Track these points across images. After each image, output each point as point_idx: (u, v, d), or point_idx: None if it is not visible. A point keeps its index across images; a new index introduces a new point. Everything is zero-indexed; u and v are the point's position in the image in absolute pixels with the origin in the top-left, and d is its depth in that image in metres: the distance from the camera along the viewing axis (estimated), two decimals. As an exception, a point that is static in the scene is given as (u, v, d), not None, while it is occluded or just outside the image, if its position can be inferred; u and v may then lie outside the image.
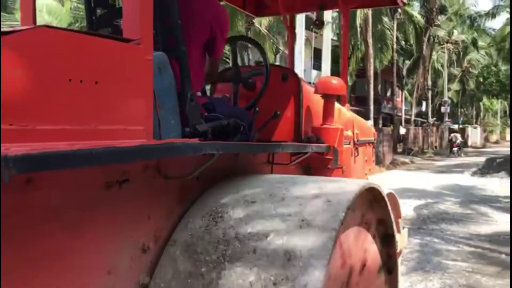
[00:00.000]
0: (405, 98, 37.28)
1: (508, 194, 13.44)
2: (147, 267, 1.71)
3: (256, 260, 1.57)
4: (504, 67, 33.88)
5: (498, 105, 56.84)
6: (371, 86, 24.15)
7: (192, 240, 1.71)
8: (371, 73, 24.25)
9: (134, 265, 1.66)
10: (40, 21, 17.37)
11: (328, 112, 3.07)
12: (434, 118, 37.00)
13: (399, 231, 3.31)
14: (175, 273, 1.67)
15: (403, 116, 33.57)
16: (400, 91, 36.44)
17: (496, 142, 59.13)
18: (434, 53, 35.48)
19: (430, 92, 35.88)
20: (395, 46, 28.47)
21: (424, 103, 40.94)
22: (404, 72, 35.61)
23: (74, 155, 1.19)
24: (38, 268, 1.31)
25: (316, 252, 1.54)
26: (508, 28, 27.59)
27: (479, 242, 7.59)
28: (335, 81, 3.14)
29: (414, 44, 32.23)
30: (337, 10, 3.87)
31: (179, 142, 1.68)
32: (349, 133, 3.41)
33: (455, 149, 31.03)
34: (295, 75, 3.17)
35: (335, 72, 24.42)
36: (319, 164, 2.94)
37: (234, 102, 2.95)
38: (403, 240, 3.24)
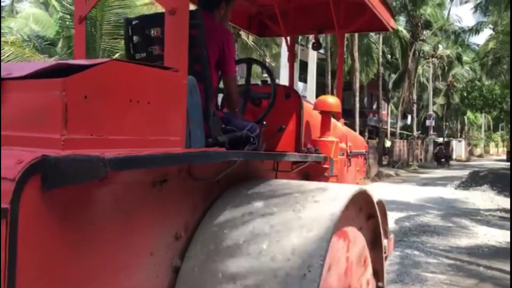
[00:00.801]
0: (391, 111, 37.71)
1: (490, 207, 13.65)
2: (179, 252, 2.05)
3: (265, 241, 1.97)
4: (487, 82, 34.48)
5: (482, 119, 57.68)
6: (357, 99, 24.42)
7: (216, 230, 2.07)
8: (357, 86, 24.54)
9: (169, 250, 2.00)
10: (26, 31, 17.37)
11: (325, 127, 3.54)
12: (419, 131, 37.42)
13: (386, 237, 3.52)
14: (203, 254, 2.01)
15: (389, 129, 33.92)
16: (385, 104, 36.86)
17: (480, 156, 59.93)
18: (419, 67, 35.99)
19: (415, 105, 36.30)
20: (380, 60, 28.89)
21: (409, 116, 41.39)
22: (390, 86, 36.06)
23: (147, 158, 1.63)
24: (102, 246, 1.63)
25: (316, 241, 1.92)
26: (491, 44, 28.14)
27: (458, 255, 7.70)
28: (332, 99, 3.62)
29: (399, 58, 32.70)
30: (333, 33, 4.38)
31: (211, 150, 2.09)
32: (343, 145, 3.81)
33: (443, 159, 32.16)
34: (297, 93, 3.60)
35: (320, 84, 24.68)
36: (317, 172, 3.33)
37: (242, 113, 3.32)
38: (390, 245, 3.51)
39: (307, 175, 3.32)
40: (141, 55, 2.66)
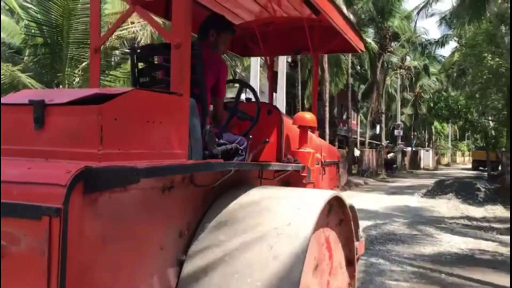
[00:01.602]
0: (360, 121, 38.32)
1: (454, 215, 13.99)
2: (183, 247, 2.41)
3: (254, 235, 2.40)
4: (453, 93, 35.42)
5: (449, 129, 59.14)
6: (327, 109, 24.73)
7: (214, 227, 2.48)
8: (327, 96, 24.86)
9: (175, 245, 2.36)
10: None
11: (303, 139, 3.96)
12: (388, 141, 38.08)
13: (357, 239, 3.88)
14: (204, 247, 2.39)
15: (358, 139, 34.45)
16: (355, 114, 37.45)
17: (447, 165, 61.35)
18: (387, 78, 36.75)
19: (384, 115, 36.99)
20: (350, 71, 29.36)
21: (378, 126, 42.14)
22: (359, 96, 36.70)
23: (168, 168, 2.10)
24: (127, 239, 2.00)
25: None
26: (456, 56, 28.97)
27: (421, 262, 7.86)
28: (309, 115, 4.03)
29: (368, 69, 33.35)
30: (309, 54, 4.93)
31: (213, 162, 2.55)
32: (318, 155, 4.17)
33: (395, 165, 33.55)
34: (278, 109, 3.98)
35: (290, 94, 24.87)
36: (296, 180, 3.73)
37: (226, 125, 3.72)
38: (361, 247, 3.80)
39: (287, 182, 3.66)
40: (145, 79, 3.05)
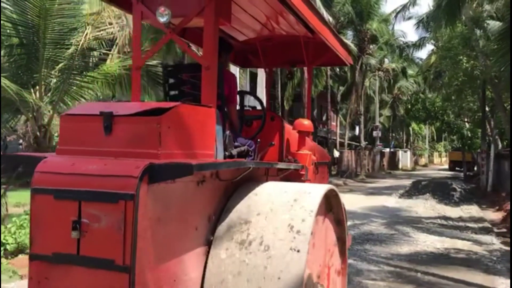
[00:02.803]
0: (340, 123, 38.59)
1: (430, 215, 14.22)
2: (211, 229, 2.97)
3: (267, 208, 3.04)
4: (430, 95, 35.98)
5: (426, 130, 60.04)
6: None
7: (234, 212, 3.06)
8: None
9: (205, 227, 2.92)
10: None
11: (301, 142, 4.56)
12: (367, 142, 38.41)
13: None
14: (225, 230, 2.97)
15: (338, 140, 34.71)
16: (334, 116, 37.70)
17: (425, 165, 62.24)
18: (366, 80, 37.06)
19: (362, 117, 37.34)
20: (329, 73, 29.57)
21: (357, 128, 42.55)
22: (339, 98, 36.94)
23: (212, 164, 2.74)
24: (176, 219, 2.59)
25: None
26: (432, 59, 29.40)
27: (398, 262, 7.99)
28: (307, 122, 4.66)
29: (347, 71, 33.58)
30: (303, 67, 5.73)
31: (239, 160, 3.36)
32: (313, 157, 4.70)
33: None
34: (279, 117, 4.64)
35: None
36: (295, 177, 4.22)
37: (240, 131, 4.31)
38: (348, 240, 4.32)
39: (288, 180, 4.08)
40: (175, 92, 3.65)
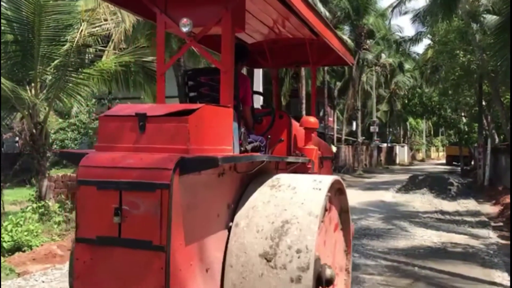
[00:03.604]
0: (337, 118, 38.61)
1: (428, 209, 14.25)
2: (230, 216, 3.31)
3: (279, 205, 3.36)
4: (427, 89, 35.97)
5: (423, 125, 60.08)
6: (304, 106, 24.85)
7: (251, 201, 3.41)
8: (304, 93, 24.97)
9: (226, 214, 3.27)
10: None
11: (308, 138, 4.85)
12: (364, 137, 38.41)
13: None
14: (243, 214, 3.33)
15: (335, 135, 34.70)
16: (332, 111, 37.69)
17: (422, 160, 62.36)
18: (363, 75, 37.05)
19: (360, 112, 37.34)
20: (326, 68, 29.52)
21: (354, 123, 42.54)
22: (336, 93, 36.91)
23: (234, 157, 3.15)
24: (202, 206, 2.93)
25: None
26: (429, 53, 29.37)
27: (395, 256, 8.01)
28: (313, 119, 4.91)
29: (344, 66, 33.54)
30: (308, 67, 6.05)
31: (255, 154, 3.72)
32: (318, 151, 4.99)
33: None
34: (288, 114, 4.89)
35: (268, 91, 24.87)
36: (303, 171, 4.47)
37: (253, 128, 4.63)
38: (351, 230, 4.60)
39: (296, 173, 4.27)
40: (194, 93, 3.99)
